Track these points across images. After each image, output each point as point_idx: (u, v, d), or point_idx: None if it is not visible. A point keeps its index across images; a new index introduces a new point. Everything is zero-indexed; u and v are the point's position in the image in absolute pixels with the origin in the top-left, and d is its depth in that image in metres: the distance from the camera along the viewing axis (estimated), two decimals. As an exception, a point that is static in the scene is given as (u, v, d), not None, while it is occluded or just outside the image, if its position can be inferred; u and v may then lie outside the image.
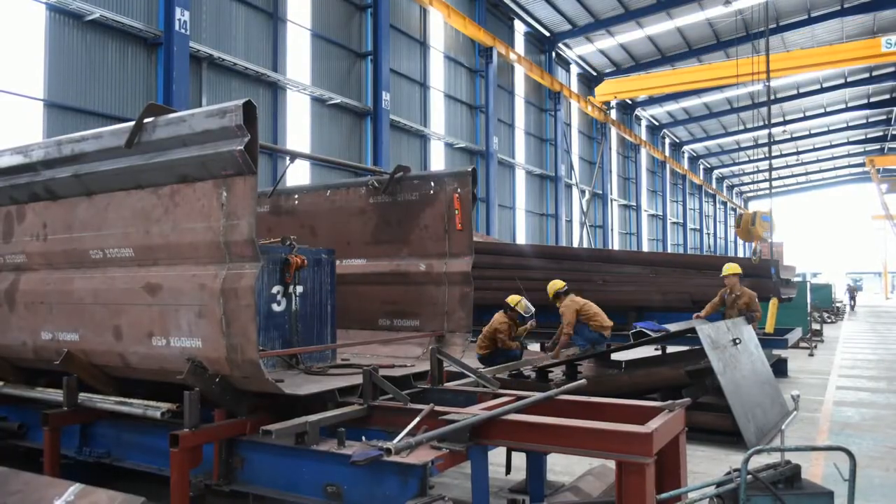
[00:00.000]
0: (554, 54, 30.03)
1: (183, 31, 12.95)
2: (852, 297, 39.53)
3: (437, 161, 22.25)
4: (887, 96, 41.28)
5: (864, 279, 78.06)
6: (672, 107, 42.18)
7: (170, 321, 4.25)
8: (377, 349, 6.32)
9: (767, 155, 16.48)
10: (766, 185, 68.36)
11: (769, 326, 11.65)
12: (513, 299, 8.53)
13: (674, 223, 49.79)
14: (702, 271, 10.80)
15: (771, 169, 15.85)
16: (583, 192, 32.54)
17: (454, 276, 6.18)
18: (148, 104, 4.44)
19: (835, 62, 27.03)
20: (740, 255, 62.14)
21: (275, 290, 5.37)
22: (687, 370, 7.51)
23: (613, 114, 37.32)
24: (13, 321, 5.28)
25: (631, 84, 32.11)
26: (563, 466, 6.08)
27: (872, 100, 42.27)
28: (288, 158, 7.06)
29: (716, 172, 61.87)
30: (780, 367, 11.88)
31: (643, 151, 42.04)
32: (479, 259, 7.02)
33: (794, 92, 39.22)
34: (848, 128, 48.73)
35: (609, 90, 31.65)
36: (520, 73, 27.72)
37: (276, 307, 5.39)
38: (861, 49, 26.27)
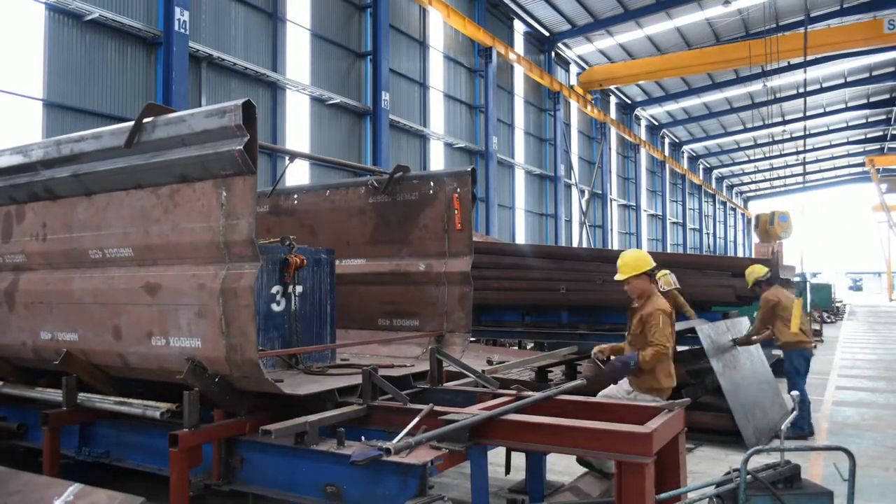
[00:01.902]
0: (553, 54, 30.02)
1: (182, 30, 12.94)
2: None
3: (437, 161, 22.24)
4: (887, 96, 41.30)
5: (863, 279, 78.05)
6: (672, 106, 42.19)
7: (169, 321, 4.25)
8: (377, 349, 6.31)
9: (780, 152, 16.36)
10: (766, 184, 68.42)
11: (794, 327, 11.33)
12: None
13: (673, 223, 49.78)
14: (702, 271, 10.78)
15: (774, 167, 15.81)
16: (582, 192, 32.53)
17: (454, 276, 6.17)
18: (147, 104, 4.44)
19: (836, 43, 25.73)
20: (739, 254, 62.25)
21: (274, 290, 5.37)
22: (687, 370, 7.51)
23: (613, 113, 37.33)
24: (13, 321, 5.27)
25: (618, 70, 31.03)
26: (563, 466, 6.08)
27: (872, 99, 42.28)
28: (287, 158, 7.06)
29: (715, 172, 61.88)
30: (780, 368, 11.86)
31: (643, 151, 42.03)
32: (478, 259, 7.01)
33: (794, 92, 39.22)
34: (848, 128, 48.74)
35: (595, 77, 30.85)
36: (519, 72, 27.71)
37: (275, 307, 5.39)
38: (863, 31, 25.26)
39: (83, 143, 4.74)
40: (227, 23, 14.88)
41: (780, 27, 28.74)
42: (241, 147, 3.91)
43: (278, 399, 4.34)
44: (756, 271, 8.32)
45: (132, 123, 4.38)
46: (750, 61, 20.86)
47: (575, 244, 30.90)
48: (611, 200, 37.00)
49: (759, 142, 50.39)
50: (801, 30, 28.18)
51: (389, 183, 6.54)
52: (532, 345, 12.09)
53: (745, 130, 45.99)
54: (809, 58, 25.57)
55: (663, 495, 3.81)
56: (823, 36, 25.77)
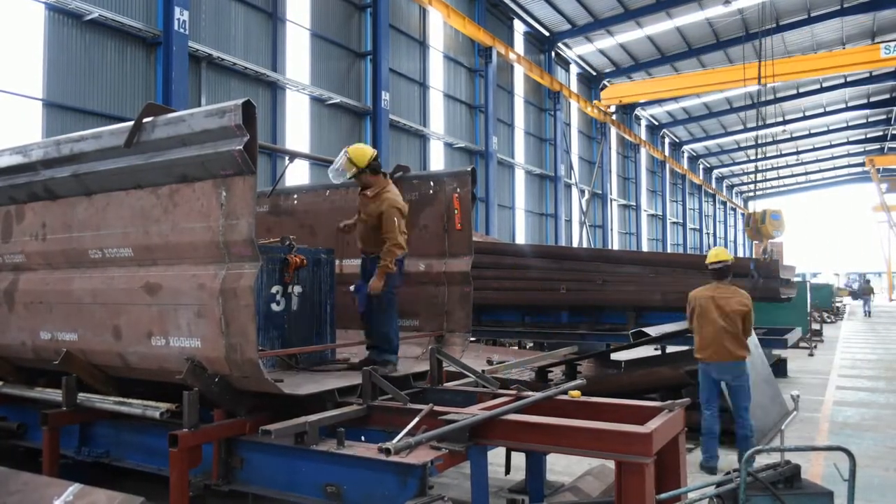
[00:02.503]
0: (553, 54, 30.01)
1: (182, 30, 12.93)
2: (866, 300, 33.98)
3: (437, 161, 22.23)
4: (887, 96, 41.25)
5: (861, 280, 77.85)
6: (672, 106, 42.16)
7: (169, 321, 4.24)
8: (377, 349, 6.30)
9: (779, 153, 16.72)
10: (766, 184, 68.42)
11: None
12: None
13: (673, 223, 49.77)
14: (702, 271, 10.77)
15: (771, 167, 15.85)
16: (582, 191, 32.53)
17: (454, 276, 6.17)
18: (147, 104, 4.44)
19: (835, 67, 27.76)
20: (740, 254, 62.23)
21: (274, 289, 5.37)
22: (687, 370, 7.50)
23: (613, 113, 37.34)
24: (12, 321, 5.27)
25: (637, 88, 32.64)
26: (563, 466, 6.08)
27: (872, 99, 42.24)
28: (287, 158, 7.06)
29: (715, 172, 61.87)
30: (780, 367, 11.87)
31: (643, 151, 42.02)
32: (478, 259, 7.00)
33: (794, 91, 39.21)
34: (848, 127, 48.71)
35: (615, 94, 31.90)
36: (519, 72, 27.71)
37: (275, 307, 5.39)
38: (860, 55, 27.01)
39: (83, 143, 4.74)
40: (227, 23, 14.87)
41: (780, 27, 28.76)
42: (241, 147, 3.91)
43: (278, 399, 4.34)
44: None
45: (132, 123, 4.38)
46: (761, 80, 23.12)
47: (575, 244, 30.89)
48: (611, 200, 36.99)
49: (759, 141, 50.34)
50: (801, 29, 29.22)
51: (389, 183, 6.53)
52: (532, 345, 12.09)
53: (745, 130, 45.96)
54: (809, 68, 27.33)
55: (663, 495, 3.81)
56: (824, 60, 27.66)
